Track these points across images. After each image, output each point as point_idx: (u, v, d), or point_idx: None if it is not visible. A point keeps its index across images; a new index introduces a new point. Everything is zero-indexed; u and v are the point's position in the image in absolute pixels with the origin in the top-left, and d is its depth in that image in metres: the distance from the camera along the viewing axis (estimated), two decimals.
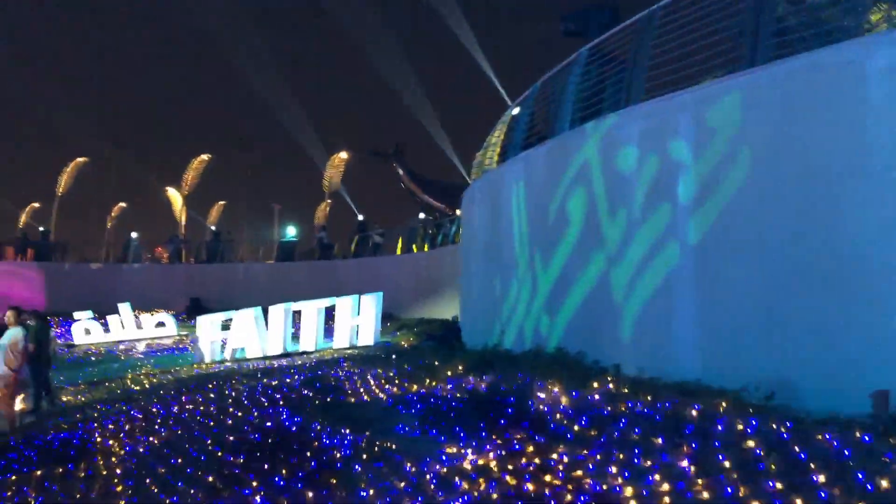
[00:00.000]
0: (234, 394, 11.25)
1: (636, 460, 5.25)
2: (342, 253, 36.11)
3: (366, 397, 9.71)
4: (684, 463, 5.04)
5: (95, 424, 10.53)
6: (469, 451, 6.18)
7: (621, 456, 5.36)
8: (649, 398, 6.23)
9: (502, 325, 9.88)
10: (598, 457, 5.49)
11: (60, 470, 7.60)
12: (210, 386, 13.37)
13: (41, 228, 42.55)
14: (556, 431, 6.27)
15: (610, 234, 7.51)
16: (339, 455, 6.17)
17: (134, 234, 39.97)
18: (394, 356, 14.24)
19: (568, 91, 8.74)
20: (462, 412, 7.51)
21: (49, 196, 49.74)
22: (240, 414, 9.31)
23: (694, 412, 5.69)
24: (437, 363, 11.17)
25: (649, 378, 6.66)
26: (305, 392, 10.18)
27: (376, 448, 6.37)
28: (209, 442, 7.56)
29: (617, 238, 7.39)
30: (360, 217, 36.39)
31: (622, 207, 7.38)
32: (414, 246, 30.26)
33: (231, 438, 7.48)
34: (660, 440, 5.47)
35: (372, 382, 11.05)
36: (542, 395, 7.15)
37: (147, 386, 15.82)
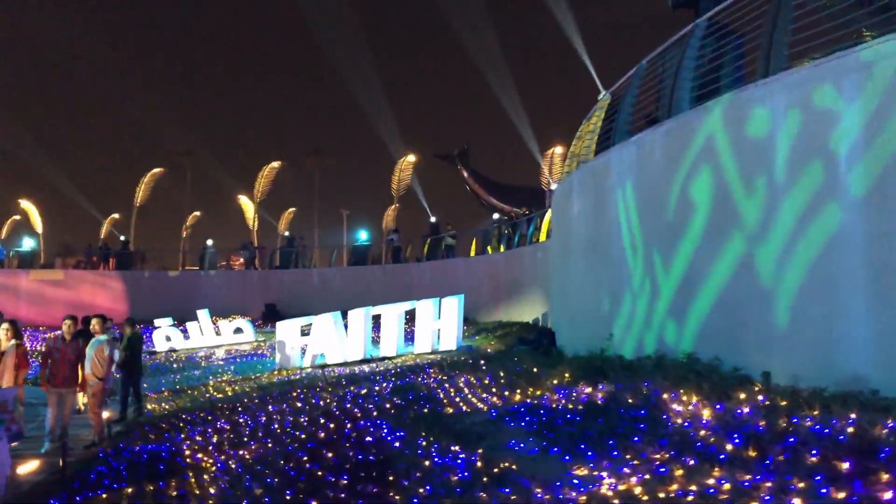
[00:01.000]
0: (322, 404, 10.72)
1: (823, 489, 4.35)
2: (415, 256, 35.68)
3: (464, 407, 9.00)
4: (887, 495, 4.13)
5: (183, 436, 10.15)
6: (604, 473, 5.38)
7: (801, 484, 4.47)
8: (817, 412, 5.30)
9: (612, 328, 9.01)
10: (770, 484, 4.60)
11: (151, 488, 7.14)
12: (294, 394, 12.93)
13: (122, 238, 43.58)
14: (703, 451, 5.41)
15: (748, 211, 6.53)
16: (455, 478, 5.46)
17: (209, 242, 40.46)
18: (482, 362, 13.52)
19: (684, 67, 7.84)
20: (581, 426, 6.71)
21: (128, 207, 51.16)
22: (332, 426, 8.74)
23: (884, 431, 4.75)
24: (535, 370, 10.38)
25: (811, 388, 5.70)
26: (398, 401, 9.55)
27: (496, 469, 5.64)
28: (305, 459, 6.96)
29: (757, 215, 6.39)
30: (433, 219, 35.83)
31: (761, 176, 6.38)
32: (489, 247, 29.49)
33: (329, 455, 6.87)
34: (845, 465, 4.56)
35: (466, 391, 10.35)
36: (678, 408, 6.29)
37: (230, 394, 15.55)
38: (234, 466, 7.46)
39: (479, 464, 5.93)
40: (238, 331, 28.58)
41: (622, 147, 8.97)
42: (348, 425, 8.55)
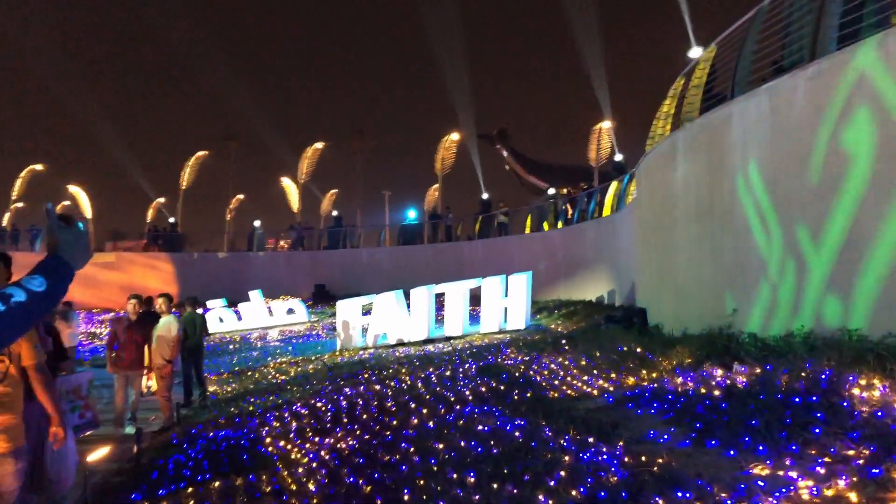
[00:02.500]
0: (404, 386, 9.95)
1: None
2: (466, 234, 34.83)
3: (569, 392, 8.14)
4: None
5: (258, 421, 9.49)
6: (792, 473, 4.46)
7: None
8: None
9: (736, 303, 8.03)
10: None
11: (240, 481, 6.43)
12: (366, 376, 12.22)
13: (171, 219, 43.53)
14: None
15: None
16: (613, 478, 4.60)
17: (257, 223, 40.16)
18: (563, 342, 12.64)
19: (830, 3, 6.78)
20: (731, 414, 5.79)
21: (174, 190, 51.26)
22: (425, 411, 7.96)
23: None
24: (639, 350, 9.46)
25: None
26: (492, 384, 8.72)
27: (655, 468, 4.76)
28: (412, 450, 6.18)
29: None
30: (485, 196, 34.88)
31: None
32: (545, 224, 28.49)
33: (440, 446, 6.07)
34: None
35: (562, 373, 9.48)
36: (861, 394, 5.32)
37: (293, 374, 14.95)
38: (327, 458, 6.72)
39: (627, 459, 5.07)
40: (290, 311, 28.14)
41: (747, 98, 7.93)
42: (444, 411, 7.76)
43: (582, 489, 4.55)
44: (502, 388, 8.44)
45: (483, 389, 8.50)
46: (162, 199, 53.65)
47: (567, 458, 5.15)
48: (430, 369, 11.30)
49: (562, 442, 5.64)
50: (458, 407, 7.83)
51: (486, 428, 6.21)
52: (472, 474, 5.14)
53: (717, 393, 6.54)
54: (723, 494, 4.26)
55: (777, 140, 7.38)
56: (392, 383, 10.49)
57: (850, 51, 6.46)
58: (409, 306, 18.08)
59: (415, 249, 34.96)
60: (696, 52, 14.12)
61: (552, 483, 4.69)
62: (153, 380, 11.22)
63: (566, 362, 10.18)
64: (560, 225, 26.84)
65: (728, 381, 6.68)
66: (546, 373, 9.59)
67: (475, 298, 18.91)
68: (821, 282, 6.66)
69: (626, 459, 5.06)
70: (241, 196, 58.68)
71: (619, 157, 25.40)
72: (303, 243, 38.73)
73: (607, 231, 21.58)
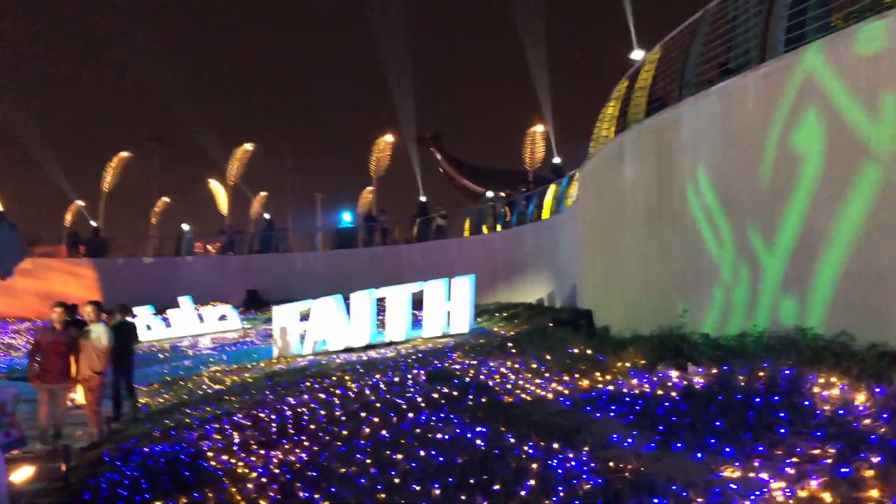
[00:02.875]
0: (351, 394, 9.65)
1: None
2: (404, 237, 34.56)
3: (524, 396, 8.01)
4: None
5: (197, 434, 9.02)
6: (764, 474, 4.42)
7: None
8: None
9: (687, 303, 8.07)
10: None
11: (184, 501, 6.03)
12: (308, 384, 11.84)
13: (93, 224, 41.68)
14: (882, 445, 4.47)
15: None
16: (586, 486, 4.46)
17: (186, 227, 38.83)
18: (510, 345, 12.55)
19: (779, 3, 6.88)
20: (693, 416, 5.76)
21: (95, 192, 49.13)
22: (377, 420, 7.70)
23: None
24: (589, 351, 9.43)
25: None
26: (445, 390, 8.52)
27: (627, 473, 4.65)
28: (369, 462, 5.91)
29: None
30: (423, 198, 34.71)
31: None
32: (484, 227, 28.49)
33: (399, 457, 5.83)
34: None
35: (512, 377, 9.36)
36: (822, 392, 5.36)
37: (230, 384, 14.40)
38: (278, 472, 6.38)
39: (595, 465, 4.94)
40: (223, 318, 27.27)
41: (697, 100, 7.99)
42: (398, 419, 7.52)
43: (555, 498, 4.39)
44: (455, 393, 8.26)
45: (435, 396, 8.30)
46: (81, 202, 51.35)
47: (535, 465, 4.99)
48: (377, 376, 11.02)
49: (526, 448, 5.48)
50: (411, 415, 7.61)
51: (446, 436, 6.01)
52: (436, 486, 4.93)
53: (674, 394, 6.52)
54: (699, 500, 4.18)
55: (728, 141, 7.45)
56: (338, 391, 10.16)
57: (800, 52, 6.56)
58: (348, 311, 17.70)
59: (351, 253, 34.46)
60: (638, 55, 14.32)
61: (523, 493, 4.52)
62: (79, 392, 10.58)
63: (516, 365, 10.07)
64: (499, 228, 26.87)
65: (685, 383, 6.68)
66: (497, 377, 9.46)
67: (417, 302, 18.68)
68: (775, 282, 6.73)
69: (595, 465, 4.94)
70: (166, 199, 56.82)
71: (557, 160, 25.63)
72: (234, 247, 37.65)
73: (547, 234, 21.70)
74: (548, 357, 9.79)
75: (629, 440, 5.64)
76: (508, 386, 8.73)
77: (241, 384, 14.08)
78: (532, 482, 4.68)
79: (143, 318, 26.11)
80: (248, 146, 51.42)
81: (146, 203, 55.12)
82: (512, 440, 5.71)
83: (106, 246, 38.41)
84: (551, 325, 12.17)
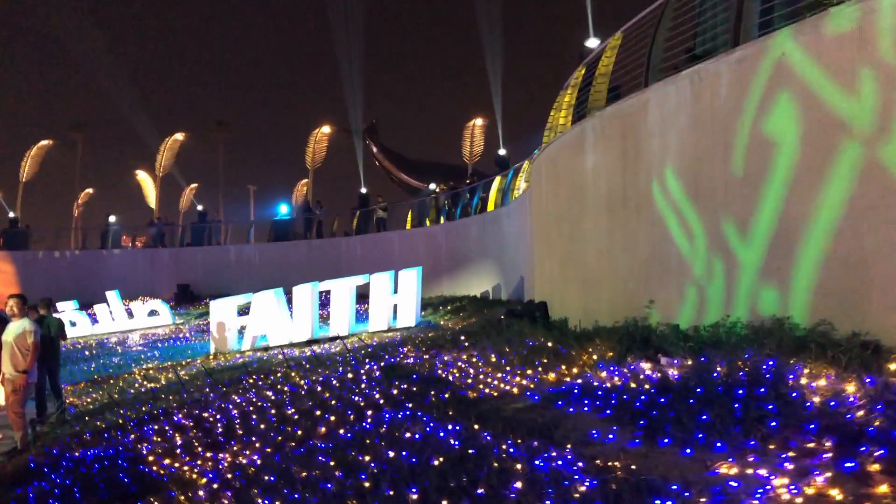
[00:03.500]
0: (301, 391, 9.12)
1: None
2: (343, 230, 33.86)
3: (488, 390, 7.68)
4: None
5: (133, 436, 8.36)
6: (762, 470, 4.20)
7: None
8: None
9: (654, 294, 7.87)
10: None
11: None
12: (251, 381, 11.24)
13: (10, 215, 39.42)
14: (881, 437, 4.31)
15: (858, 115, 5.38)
16: (580, 487, 4.14)
17: (112, 218, 37.12)
18: (462, 338, 12.23)
19: None
20: (675, 409, 5.52)
21: (11, 183, 46.53)
22: (333, 418, 7.23)
23: None
24: (550, 344, 9.17)
25: None
26: (404, 386, 8.11)
27: (619, 471, 4.36)
28: (333, 464, 5.46)
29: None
30: (363, 190, 34.08)
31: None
32: (427, 220, 28.11)
33: (366, 458, 5.39)
34: None
35: (471, 370, 9.02)
36: (810, 383, 5.19)
37: (165, 382, 13.62)
38: (230, 476, 5.86)
39: (581, 463, 4.64)
40: (153, 313, 26.09)
41: (666, 84, 7.79)
42: (356, 417, 7.07)
43: (549, 502, 4.06)
44: (415, 388, 7.85)
45: (395, 392, 7.87)
46: None
47: (518, 465, 4.65)
48: (326, 372, 10.51)
49: (504, 447, 5.13)
50: (370, 412, 7.17)
51: (415, 435, 5.60)
52: (413, 490, 4.52)
53: (648, 387, 6.28)
54: (702, 500, 3.91)
55: (699, 127, 7.27)
56: (286, 388, 9.62)
57: (773, 36, 6.41)
58: (290, 305, 17.07)
59: (288, 246, 33.58)
60: (593, 43, 14.17)
61: (512, 495, 4.17)
62: (0, 393, 9.72)
63: (474, 359, 9.73)
64: (443, 220, 26.54)
65: (658, 375, 6.45)
66: (456, 371, 9.10)
67: (361, 296, 18.18)
68: (753, 272, 6.58)
69: (583, 464, 4.63)
70: (90, 190, 54.36)
71: (502, 152, 25.42)
72: (164, 240, 36.18)
73: (492, 226, 21.49)
74: (507, 350, 9.49)
75: (610, 436, 5.36)
76: (469, 380, 8.39)
77: (176, 382, 13.32)
78: (519, 484, 4.33)
79: (67, 314, 24.76)
80: (179, 136, 49.68)
81: (70, 194, 52.65)
82: (488, 438, 5.35)
83: (25, 238, 36.35)
84: (504, 317, 11.89)
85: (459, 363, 9.70)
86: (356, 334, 16.43)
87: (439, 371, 9.20)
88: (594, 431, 5.53)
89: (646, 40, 8.61)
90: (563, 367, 7.89)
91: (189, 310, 29.79)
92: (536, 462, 4.69)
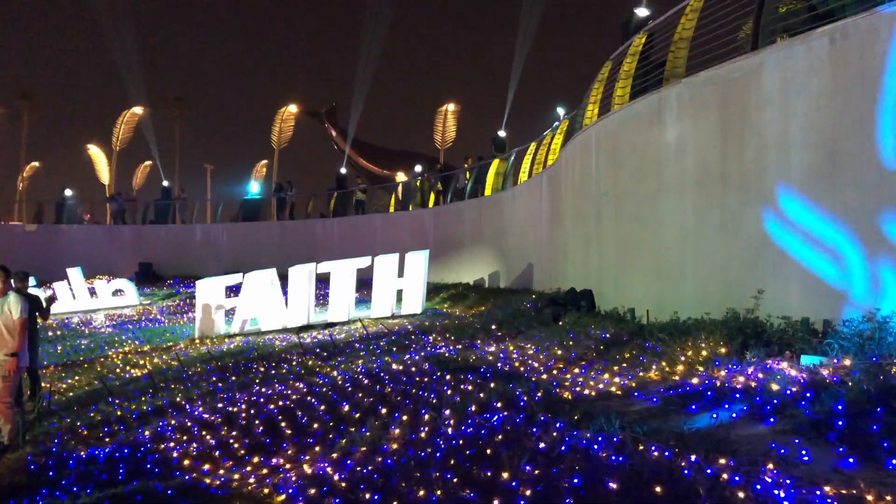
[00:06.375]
0: (341, 382, 7.91)
1: None
2: (318, 212, 32.35)
3: (580, 390, 6.64)
4: None
5: (147, 432, 7.04)
6: None
7: None
8: None
9: (765, 283, 6.92)
10: None
11: None
12: (262, 369, 10.01)
13: None
14: None
15: None
16: None
17: (69, 192, 34.81)
18: (494, 327, 11.19)
19: None
20: (866, 419, 4.58)
21: None
22: (406, 418, 6.08)
23: None
24: (625, 338, 8.19)
25: None
26: (467, 380, 7.00)
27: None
28: (455, 482, 4.34)
29: None
30: (343, 170, 32.60)
31: None
32: (410, 205, 26.86)
33: (504, 476, 4.29)
34: None
35: (536, 365, 7.99)
36: None
37: (152, 368, 12.19)
38: (314, 492, 4.68)
39: (802, 491, 3.65)
40: (118, 293, 24.29)
41: (790, 45, 6.84)
42: (427, 417, 5.93)
43: None
44: (492, 384, 6.74)
45: (467, 387, 6.76)
46: None
47: (700, 488, 3.62)
48: (360, 361, 9.30)
49: (682, 463, 4.09)
50: (447, 411, 6.00)
51: (559, 447, 4.49)
52: None
53: (797, 389, 5.33)
54: None
55: (841, 94, 6.33)
56: (317, 379, 8.42)
57: None
58: (284, 287, 15.73)
59: (258, 227, 31.94)
60: (643, 12, 13.25)
61: None
62: None
63: (530, 351, 8.71)
64: (431, 204, 25.36)
65: (806, 376, 5.50)
66: (519, 364, 8.05)
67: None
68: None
69: (819, 493, 3.63)
70: (36, 163, 51.37)
71: (501, 133, 24.34)
72: (124, 217, 34.08)
73: (491, 211, 20.45)
74: (570, 342, 8.47)
75: (804, 454, 4.36)
76: (544, 376, 7.34)
77: (167, 368, 11.95)
78: None
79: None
80: (138, 109, 47.18)
81: (14, 167, 49.66)
82: (655, 453, 4.29)
83: None
84: (541, 307, 10.88)
85: (515, 355, 8.65)
86: (354, 321, 15.19)
87: (498, 364, 8.12)
88: (776, 446, 4.54)
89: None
90: (663, 363, 6.90)
91: (154, 290, 28.05)
92: (756, 487, 3.67)
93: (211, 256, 31.42)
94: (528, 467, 4.33)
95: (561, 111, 19.95)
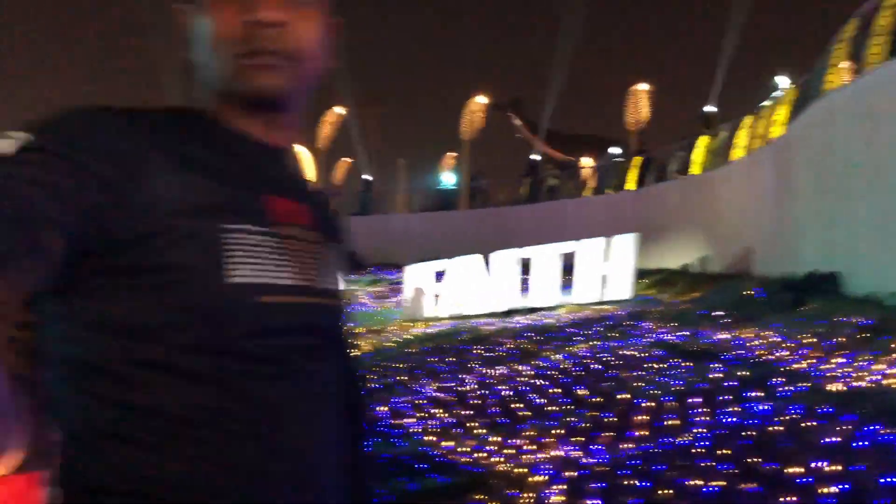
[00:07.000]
0: (581, 372, 7.68)
1: None
2: (507, 199, 32.52)
3: (859, 384, 5.89)
4: None
5: (384, 407, 7.22)
6: None
7: None
8: None
9: None
10: None
11: None
12: (479, 351, 10.03)
13: None
14: None
15: None
16: None
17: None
18: (721, 313, 10.40)
19: None
20: None
21: None
22: (704, 411, 5.73)
23: None
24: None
25: None
26: (717, 370, 6.48)
27: None
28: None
29: None
30: (535, 156, 32.50)
31: None
32: (605, 189, 26.10)
33: (726, 472, 3.83)
34: None
35: (789, 354, 7.24)
36: None
37: (369, 349, 12.70)
38: (576, 475, 4.49)
39: None
40: None
41: None
42: (703, 410, 5.50)
43: None
44: (746, 374, 6.18)
45: (715, 376, 6.27)
46: None
47: None
48: (581, 346, 9.04)
49: None
50: (732, 409, 5.46)
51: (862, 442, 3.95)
52: None
53: None
54: None
55: None
56: (539, 362, 8.27)
57: None
58: (488, 272, 15.86)
59: (451, 216, 32.66)
60: None
61: None
62: None
63: (773, 339, 7.97)
64: (633, 186, 24.39)
65: None
66: (762, 353, 7.37)
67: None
68: None
69: None
70: None
71: (709, 108, 22.98)
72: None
73: (699, 191, 19.31)
74: (822, 330, 7.64)
75: None
76: (799, 366, 6.64)
77: (386, 348, 12.45)
78: None
79: None
80: (340, 109, 50.03)
81: None
82: None
83: None
84: (784, 290, 9.97)
85: (756, 343, 7.97)
86: (560, 306, 14.95)
87: (741, 352, 7.50)
88: None
89: None
90: None
91: (358, 277, 29.70)
92: None
93: (406, 245, 32.65)
94: (820, 462, 3.84)
95: (780, 80, 18.34)
